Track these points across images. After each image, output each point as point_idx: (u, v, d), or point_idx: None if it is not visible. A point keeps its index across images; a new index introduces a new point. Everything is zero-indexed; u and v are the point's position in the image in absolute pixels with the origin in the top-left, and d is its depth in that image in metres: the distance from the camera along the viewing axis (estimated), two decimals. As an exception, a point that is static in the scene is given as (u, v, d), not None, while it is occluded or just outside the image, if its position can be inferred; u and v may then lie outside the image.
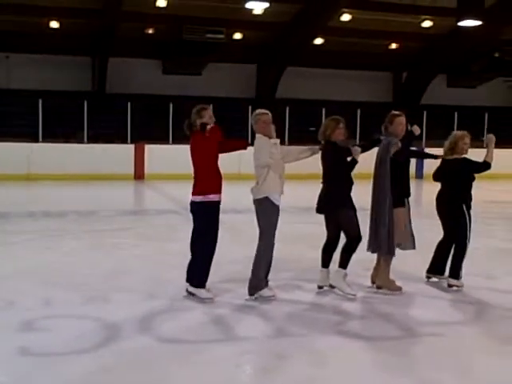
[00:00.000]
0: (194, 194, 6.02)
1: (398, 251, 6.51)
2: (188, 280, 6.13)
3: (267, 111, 6.17)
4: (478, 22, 18.59)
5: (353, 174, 6.29)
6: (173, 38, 22.39)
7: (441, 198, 6.74)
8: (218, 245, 6.08)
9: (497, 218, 12.65)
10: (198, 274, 6.07)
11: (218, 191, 6.02)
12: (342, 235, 6.34)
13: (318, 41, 24.24)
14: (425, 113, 22.88)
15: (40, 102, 20.57)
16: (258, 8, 19.92)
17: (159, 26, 22.65)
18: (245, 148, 6.44)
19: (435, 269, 6.89)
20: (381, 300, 6.23)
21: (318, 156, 6.36)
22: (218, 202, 6.04)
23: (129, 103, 21.30)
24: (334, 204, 6.23)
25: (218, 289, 6.29)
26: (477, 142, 7.10)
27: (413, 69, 26.99)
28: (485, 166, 6.58)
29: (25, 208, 13.08)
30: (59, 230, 10.47)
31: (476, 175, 6.67)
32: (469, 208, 6.58)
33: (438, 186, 6.88)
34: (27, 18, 21.37)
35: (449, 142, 6.71)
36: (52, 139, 20.62)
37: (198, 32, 21.67)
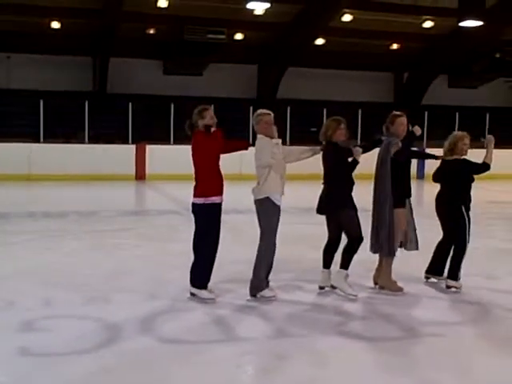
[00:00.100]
0: (195, 195, 6.00)
1: (399, 252, 6.52)
2: (191, 281, 6.13)
3: (269, 112, 6.16)
4: (479, 23, 18.57)
5: (354, 174, 6.28)
6: (174, 39, 22.40)
7: (440, 199, 6.74)
8: (219, 245, 6.09)
9: (496, 218, 12.64)
10: (199, 275, 6.06)
11: (220, 193, 6.01)
12: (344, 236, 6.34)
13: (319, 41, 24.24)
14: (426, 113, 22.87)
15: (41, 102, 20.56)
16: (259, 8, 19.90)
17: (160, 26, 22.65)
18: (246, 148, 6.44)
19: (434, 269, 6.88)
20: (382, 301, 6.23)
21: (319, 156, 6.36)
22: (220, 204, 6.03)
23: (130, 103, 21.29)
24: (335, 204, 6.23)
25: (219, 289, 6.29)
26: (476, 143, 7.07)
27: (414, 69, 26.99)
28: (484, 167, 6.57)
29: (25, 208, 13.08)
30: (60, 230, 10.47)
31: (475, 176, 6.67)
32: (468, 210, 6.57)
33: (438, 186, 6.88)
34: (28, 18, 21.38)
35: (448, 143, 6.71)
36: (53, 139, 20.62)
37: (199, 32, 21.67)
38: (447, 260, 6.74)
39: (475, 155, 6.64)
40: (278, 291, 6.25)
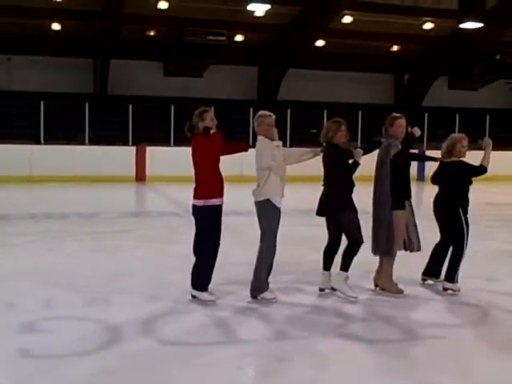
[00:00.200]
0: (195, 197, 6.01)
1: (399, 253, 6.52)
2: (192, 283, 6.13)
3: (271, 113, 6.16)
4: (480, 24, 18.57)
5: (354, 176, 6.29)
6: (174, 40, 22.42)
7: (438, 201, 6.73)
8: (219, 247, 6.09)
9: (495, 220, 12.65)
10: (200, 277, 6.07)
11: (220, 195, 6.01)
12: (344, 238, 6.34)
13: (320, 43, 24.26)
14: (426, 115, 22.85)
15: (42, 103, 20.57)
16: (259, 10, 19.92)
17: (160, 28, 22.68)
18: (246, 150, 6.43)
19: (431, 271, 6.89)
20: (382, 303, 6.23)
21: (320, 158, 6.36)
22: (220, 206, 6.03)
23: (130, 105, 21.29)
24: (336, 206, 6.23)
25: (219, 291, 6.29)
26: (474, 145, 7.06)
27: (414, 71, 27.00)
28: (481, 169, 6.56)
29: (26, 210, 13.08)
30: (60, 231, 10.47)
31: (473, 178, 6.66)
32: (465, 212, 6.56)
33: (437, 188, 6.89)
34: (29, 20, 21.41)
35: (446, 145, 6.70)
36: (53, 141, 20.61)
37: (200, 34, 21.70)
38: (444, 262, 6.75)
39: (473, 157, 6.64)
40: (278, 293, 6.25)
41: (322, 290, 6.44)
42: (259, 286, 6.09)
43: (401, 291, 6.44)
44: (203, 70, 24.95)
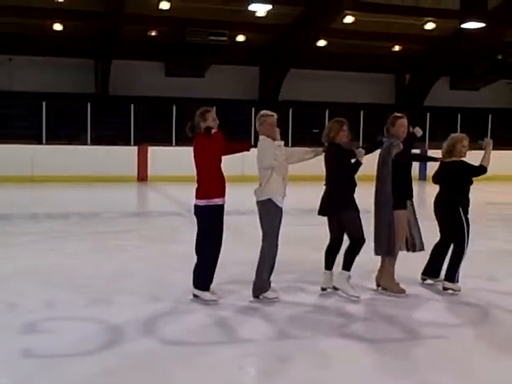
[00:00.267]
0: (197, 197, 6.01)
1: (400, 253, 6.51)
2: (193, 283, 6.13)
3: (273, 113, 6.16)
4: (481, 24, 18.55)
5: (356, 176, 6.29)
6: (176, 41, 22.43)
7: (439, 201, 6.73)
8: (221, 247, 6.09)
9: (495, 219, 12.64)
10: (202, 276, 6.07)
11: (222, 195, 6.01)
12: (346, 237, 6.34)
13: (321, 43, 24.25)
14: (428, 115, 22.84)
15: (43, 104, 20.58)
16: (260, 10, 19.91)
17: (162, 28, 22.70)
18: (247, 150, 6.43)
19: (431, 271, 6.88)
20: (384, 302, 6.23)
21: (321, 158, 6.36)
22: (222, 206, 6.03)
23: (132, 105, 21.30)
24: (338, 206, 6.23)
25: (221, 290, 6.29)
26: (475, 145, 7.06)
27: (416, 71, 26.99)
28: (481, 169, 6.55)
29: (28, 210, 13.10)
30: (62, 231, 10.48)
31: (473, 178, 6.66)
32: (466, 212, 6.55)
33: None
34: (30, 21, 21.43)
35: (447, 145, 6.70)
36: (55, 141, 20.63)
37: (201, 34, 21.71)
38: (444, 262, 6.74)
39: (474, 157, 6.63)
40: (280, 293, 6.25)
41: (323, 289, 6.45)
42: (261, 285, 6.09)
43: (403, 291, 6.44)
44: (205, 70, 24.96)
